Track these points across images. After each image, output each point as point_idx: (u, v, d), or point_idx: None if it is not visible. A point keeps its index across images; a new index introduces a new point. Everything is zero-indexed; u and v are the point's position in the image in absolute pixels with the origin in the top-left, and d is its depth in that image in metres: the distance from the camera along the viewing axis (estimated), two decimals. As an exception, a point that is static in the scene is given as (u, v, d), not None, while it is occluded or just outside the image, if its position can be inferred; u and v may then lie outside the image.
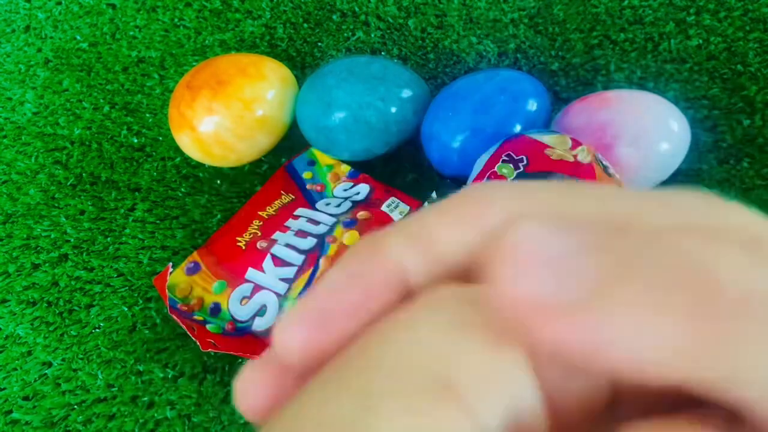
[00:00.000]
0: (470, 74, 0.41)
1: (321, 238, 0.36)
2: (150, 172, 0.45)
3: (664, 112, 0.36)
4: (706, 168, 0.41)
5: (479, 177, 0.35)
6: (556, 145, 0.34)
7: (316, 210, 0.38)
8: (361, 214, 0.37)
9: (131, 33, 0.53)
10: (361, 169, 0.42)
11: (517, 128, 0.37)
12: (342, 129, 0.39)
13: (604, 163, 0.34)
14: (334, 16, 0.52)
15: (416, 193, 0.42)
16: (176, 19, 0.53)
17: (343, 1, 0.52)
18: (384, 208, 0.38)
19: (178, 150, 0.46)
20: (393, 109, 0.39)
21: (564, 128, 0.38)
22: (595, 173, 0.33)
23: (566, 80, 0.46)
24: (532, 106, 0.37)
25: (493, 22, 0.49)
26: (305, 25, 0.51)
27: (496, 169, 0.34)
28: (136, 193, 0.45)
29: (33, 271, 0.42)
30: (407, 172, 0.43)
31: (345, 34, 0.50)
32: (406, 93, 0.40)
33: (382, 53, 0.49)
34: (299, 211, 0.38)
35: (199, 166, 0.45)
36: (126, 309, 0.40)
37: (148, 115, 0.48)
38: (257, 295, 0.34)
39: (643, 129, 0.36)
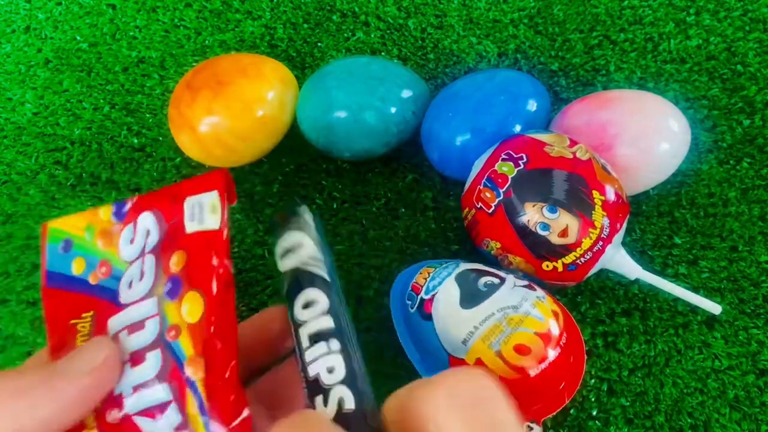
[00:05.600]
0: (470, 74, 0.41)
1: (161, 343, 0.20)
2: (150, 172, 0.45)
3: (664, 112, 0.36)
4: (706, 168, 0.41)
5: (479, 177, 0.35)
6: (555, 143, 0.34)
7: (125, 306, 0.21)
8: (174, 263, 0.21)
9: (131, 33, 0.53)
10: (361, 169, 0.42)
11: (517, 128, 0.37)
12: (342, 129, 0.39)
13: (601, 161, 0.34)
14: (334, 17, 0.52)
15: (416, 193, 0.42)
16: (176, 20, 0.53)
17: (343, 2, 0.52)
18: (188, 227, 0.21)
19: (178, 150, 0.46)
20: (393, 109, 0.39)
21: (564, 128, 0.38)
22: (594, 169, 0.33)
23: (566, 80, 0.46)
24: (532, 106, 0.37)
25: (493, 23, 0.49)
26: (305, 25, 0.51)
27: (496, 167, 0.34)
28: (137, 194, 0.45)
29: (33, 271, 0.42)
30: (407, 172, 0.43)
31: (345, 35, 0.50)
32: (406, 93, 0.40)
33: (382, 53, 0.49)
34: (112, 324, 0.22)
35: (200, 166, 0.45)
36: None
37: (148, 115, 0.48)
38: None
39: (643, 129, 0.36)
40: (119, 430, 0.20)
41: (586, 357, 0.33)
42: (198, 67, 0.42)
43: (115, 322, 0.21)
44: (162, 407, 0.20)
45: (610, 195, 0.33)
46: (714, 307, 0.34)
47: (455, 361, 0.29)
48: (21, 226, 0.44)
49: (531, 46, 0.48)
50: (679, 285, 0.35)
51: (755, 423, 0.34)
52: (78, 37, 0.54)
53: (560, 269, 0.33)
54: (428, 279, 0.32)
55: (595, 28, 0.48)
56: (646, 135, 0.36)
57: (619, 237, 0.33)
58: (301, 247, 0.23)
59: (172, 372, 0.20)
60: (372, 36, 0.50)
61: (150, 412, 0.20)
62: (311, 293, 0.21)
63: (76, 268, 0.22)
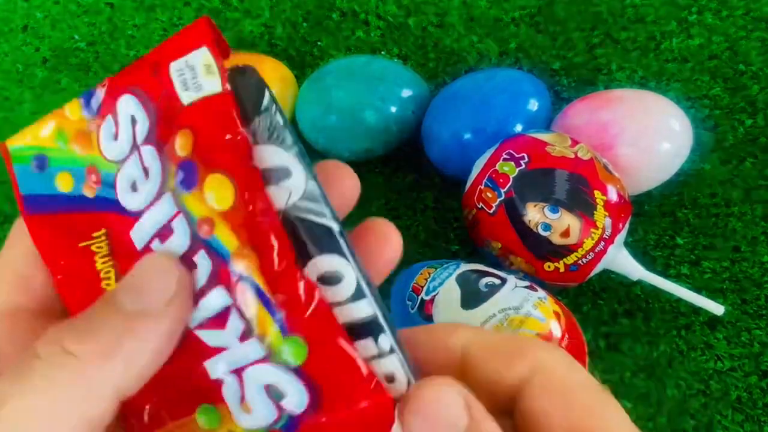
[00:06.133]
0: (471, 74, 0.41)
1: (199, 242, 0.16)
2: (148, 172, 0.45)
3: (665, 111, 0.36)
4: (708, 168, 0.41)
5: (480, 177, 0.35)
6: (556, 142, 0.34)
7: (139, 213, 0.17)
8: (180, 146, 0.16)
9: (129, 32, 0.53)
10: (361, 169, 0.42)
11: (518, 128, 0.37)
12: (342, 129, 0.39)
13: (603, 161, 0.34)
14: (334, 15, 0.51)
15: (416, 193, 0.42)
16: (175, 19, 0.53)
17: (342, 0, 0.52)
18: (184, 99, 0.16)
19: (176, 150, 0.46)
20: (393, 109, 0.39)
21: (565, 128, 0.38)
22: (596, 169, 0.33)
23: (567, 79, 0.46)
24: (533, 105, 0.37)
25: (494, 21, 0.49)
26: (305, 24, 0.51)
27: (497, 167, 0.34)
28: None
29: (30, 272, 0.42)
30: (407, 172, 0.43)
31: (344, 34, 0.50)
32: (406, 93, 0.40)
33: (382, 52, 0.49)
34: (134, 237, 0.17)
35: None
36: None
37: (146, 114, 0.48)
38: None
39: (645, 129, 0.35)
40: (183, 350, 0.16)
41: (588, 358, 0.32)
42: (196, 66, 0.42)
43: (138, 234, 0.17)
44: (224, 314, 0.16)
45: (612, 195, 0.32)
46: (716, 308, 0.34)
47: None
48: (18, 226, 0.44)
49: (532, 45, 0.47)
50: (682, 286, 0.35)
51: (758, 424, 0.33)
52: (76, 36, 0.53)
53: (562, 270, 0.32)
54: (429, 280, 0.32)
55: (596, 26, 0.48)
56: (647, 134, 0.35)
57: (621, 237, 0.33)
58: (287, 176, 0.15)
59: (222, 272, 0.16)
60: (372, 35, 0.50)
61: (213, 322, 0.16)
62: (329, 262, 0.15)
63: (63, 184, 0.18)
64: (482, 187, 0.34)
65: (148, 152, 0.16)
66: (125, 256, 0.16)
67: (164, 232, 0.16)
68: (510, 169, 0.33)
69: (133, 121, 0.16)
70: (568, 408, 0.14)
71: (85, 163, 0.17)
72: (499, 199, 0.33)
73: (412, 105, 0.40)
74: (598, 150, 0.35)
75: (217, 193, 0.15)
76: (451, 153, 0.38)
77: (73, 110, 0.17)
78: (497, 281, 0.31)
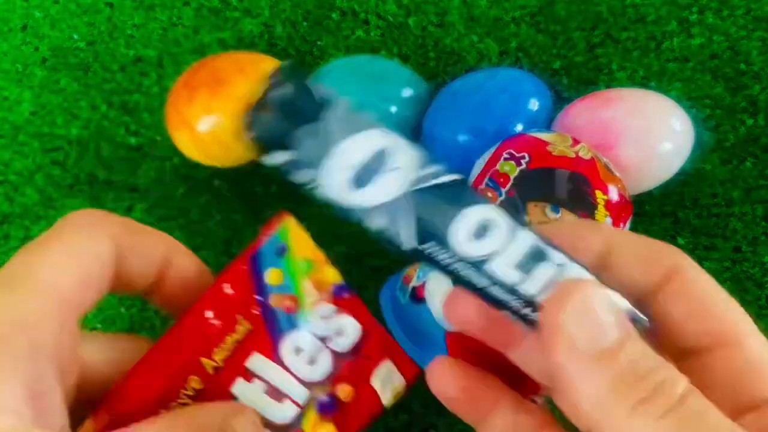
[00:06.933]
0: (471, 73, 0.41)
1: (296, 429, 0.20)
2: (148, 172, 0.45)
3: (666, 111, 0.36)
4: (709, 168, 0.41)
5: (480, 177, 0.35)
6: (557, 142, 0.34)
7: (281, 365, 0.20)
8: (341, 389, 0.20)
9: (129, 32, 0.53)
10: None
11: (519, 128, 0.36)
12: (342, 128, 0.39)
13: (604, 160, 0.34)
14: (334, 15, 0.51)
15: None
16: (174, 18, 0.53)
17: (342, 0, 0.52)
18: (374, 381, 0.21)
19: (176, 150, 0.45)
20: (393, 109, 0.39)
21: (566, 127, 0.37)
22: (597, 169, 0.33)
23: (568, 79, 0.45)
24: (534, 105, 0.37)
25: (494, 21, 0.49)
26: (304, 23, 0.51)
27: (497, 167, 0.34)
28: (134, 194, 0.44)
29: (29, 272, 0.42)
30: (407, 171, 0.43)
31: (344, 33, 0.50)
32: (407, 92, 0.40)
33: (382, 52, 0.49)
34: (254, 360, 0.20)
35: (198, 166, 0.45)
36: (124, 311, 0.39)
37: (145, 114, 0.48)
38: None
39: (646, 128, 0.35)
40: None
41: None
42: (196, 66, 0.42)
43: (259, 363, 0.20)
44: None
45: (613, 194, 0.32)
46: (718, 309, 0.34)
47: (452, 337, 0.29)
48: (17, 226, 0.44)
49: (532, 45, 0.47)
50: (683, 286, 0.34)
51: (759, 425, 0.33)
52: (75, 36, 0.53)
53: (563, 270, 0.32)
54: (418, 269, 0.32)
55: (597, 26, 0.48)
56: (648, 134, 0.35)
57: (622, 237, 0.33)
58: (389, 155, 0.15)
59: None
60: (372, 34, 0.50)
61: None
62: (474, 213, 0.15)
63: (272, 277, 0.20)
64: (483, 187, 0.34)
65: (327, 358, 0.20)
66: (213, 397, 0.19)
67: (277, 395, 0.20)
68: (510, 169, 0.33)
69: (339, 332, 0.21)
70: (704, 313, 0.15)
71: (297, 292, 0.20)
72: (499, 199, 0.33)
73: (412, 104, 0.40)
74: (599, 149, 0.35)
75: None
76: (451, 153, 0.38)
77: (333, 275, 0.21)
78: None
